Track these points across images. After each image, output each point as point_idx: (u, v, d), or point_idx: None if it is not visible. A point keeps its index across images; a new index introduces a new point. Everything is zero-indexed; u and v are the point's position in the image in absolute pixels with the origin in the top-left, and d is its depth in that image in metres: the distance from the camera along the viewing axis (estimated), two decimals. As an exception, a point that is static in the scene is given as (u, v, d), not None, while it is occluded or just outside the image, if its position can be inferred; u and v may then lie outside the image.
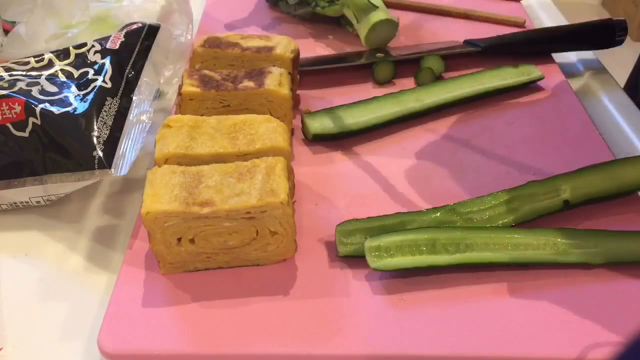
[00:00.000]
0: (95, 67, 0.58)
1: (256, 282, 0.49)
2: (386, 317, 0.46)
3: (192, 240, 0.48)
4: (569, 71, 0.79)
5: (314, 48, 0.82)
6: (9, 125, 0.53)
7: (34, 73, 0.58)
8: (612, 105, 0.73)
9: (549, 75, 0.74)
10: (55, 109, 0.53)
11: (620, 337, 0.45)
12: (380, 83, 0.74)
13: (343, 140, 0.64)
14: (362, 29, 0.77)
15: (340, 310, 0.47)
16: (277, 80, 0.59)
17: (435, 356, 0.44)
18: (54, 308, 0.49)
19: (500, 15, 0.88)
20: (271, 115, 0.56)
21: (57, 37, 0.69)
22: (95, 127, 0.53)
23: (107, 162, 0.52)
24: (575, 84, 0.77)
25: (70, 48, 0.60)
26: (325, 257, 0.51)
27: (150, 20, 0.69)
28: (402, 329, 0.45)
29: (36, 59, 0.59)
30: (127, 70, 0.59)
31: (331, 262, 0.51)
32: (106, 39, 0.61)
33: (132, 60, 0.60)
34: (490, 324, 0.46)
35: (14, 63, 0.59)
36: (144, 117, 0.57)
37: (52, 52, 0.60)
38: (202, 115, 0.55)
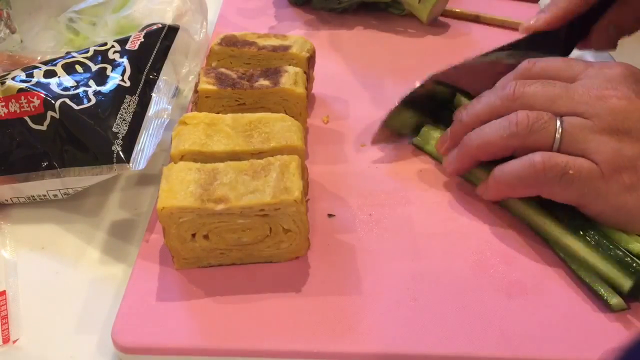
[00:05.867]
0: (114, 65, 0.59)
1: (269, 279, 0.49)
2: (398, 316, 0.47)
3: (206, 236, 0.48)
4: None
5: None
6: (26, 118, 0.54)
7: (49, 57, 0.59)
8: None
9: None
10: (74, 105, 0.54)
11: None
12: None
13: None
14: (425, 6, 0.84)
15: (352, 308, 0.47)
16: (292, 79, 0.59)
17: (447, 356, 0.44)
18: (69, 301, 0.50)
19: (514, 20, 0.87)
20: (286, 113, 0.57)
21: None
22: (114, 124, 0.54)
23: (126, 157, 0.52)
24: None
25: (90, 48, 0.61)
26: (337, 255, 0.51)
27: (166, 20, 0.70)
28: (414, 328, 0.46)
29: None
30: (146, 70, 0.59)
31: (344, 260, 0.51)
32: (126, 39, 0.62)
33: (151, 60, 0.60)
34: (505, 325, 0.46)
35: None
36: (162, 114, 0.58)
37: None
38: (218, 112, 0.56)
